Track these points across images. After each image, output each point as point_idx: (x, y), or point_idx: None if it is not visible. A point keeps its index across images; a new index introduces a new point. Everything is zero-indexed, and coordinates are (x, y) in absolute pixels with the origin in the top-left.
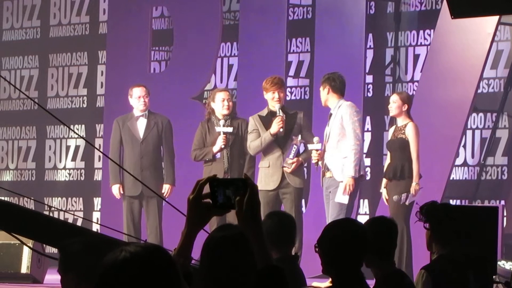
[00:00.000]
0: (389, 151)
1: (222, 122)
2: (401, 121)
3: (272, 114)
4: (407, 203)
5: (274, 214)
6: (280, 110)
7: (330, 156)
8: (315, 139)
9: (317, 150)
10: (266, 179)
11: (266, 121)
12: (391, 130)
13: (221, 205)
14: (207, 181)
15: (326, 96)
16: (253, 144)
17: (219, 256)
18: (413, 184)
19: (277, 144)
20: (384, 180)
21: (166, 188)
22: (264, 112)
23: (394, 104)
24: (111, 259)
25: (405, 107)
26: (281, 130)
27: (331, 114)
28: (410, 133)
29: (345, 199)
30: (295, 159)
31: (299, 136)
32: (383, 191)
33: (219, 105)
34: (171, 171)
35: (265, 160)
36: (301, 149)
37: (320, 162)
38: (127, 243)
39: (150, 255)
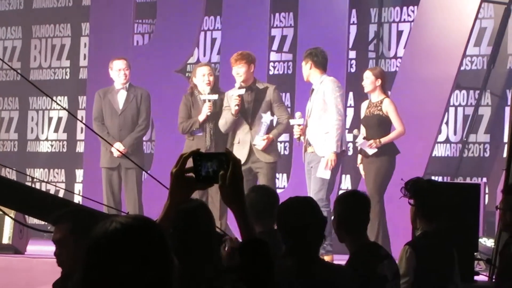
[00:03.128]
0: (365, 127)
1: (207, 90)
2: (375, 96)
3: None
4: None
5: (258, 187)
6: (242, 87)
7: (312, 131)
8: (297, 114)
9: (299, 125)
10: (236, 154)
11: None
12: (364, 105)
13: (204, 178)
14: (190, 154)
15: (309, 71)
16: (220, 122)
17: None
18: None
19: (245, 119)
20: (360, 156)
21: (118, 145)
22: (235, 88)
23: (368, 80)
24: (101, 230)
25: (379, 82)
26: (236, 108)
27: (313, 90)
28: (389, 109)
29: (327, 174)
30: (265, 136)
31: (268, 112)
32: (360, 167)
33: (200, 79)
34: (132, 137)
35: (236, 137)
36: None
37: (302, 137)
38: (114, 215)
39: (141, 226)
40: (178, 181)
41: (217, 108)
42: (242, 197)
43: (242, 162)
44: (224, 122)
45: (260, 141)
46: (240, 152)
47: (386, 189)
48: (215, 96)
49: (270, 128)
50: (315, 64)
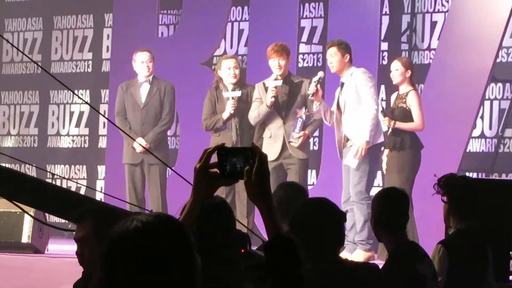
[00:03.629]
0: (390, 119)
1: (231, 86)
2: (403, 88)
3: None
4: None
5: (287, 184)
6: (278, 79)
7: (348, 125)
8: (320, 72)
9: (318, 81)
10: (267, 149)
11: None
12: (393, 97)
13: (229, 174)
14: (214, 149)
15: (344, 63)
16: (252, 114)
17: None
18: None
19: (278, 113)
20: (386, 151)
21: (140, 140)
22: (269, 79)
23: (397, 71)
24: (121, 229)
25: (408, 73)
26: (273, 99)
27: (342, 83)
28: (412, 102)
29: (354, 163)
30: (301, 133)
31: (303, 108)
32: (384, 159)
33: (226, 73)
34: (155, 132)
35: (267, 130)
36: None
37: (319, 105)
38: (136, 213)
39: (162, 224)
40: (202, 177)
41: (242, 104)
42: (269, 194)
43: (274, 157)
44: (256, 114)
45: (296, 138)
46: (272, 146)
47: (412, 185)
48: (239, 93)
49: (304, 126)
50: (350, 56)
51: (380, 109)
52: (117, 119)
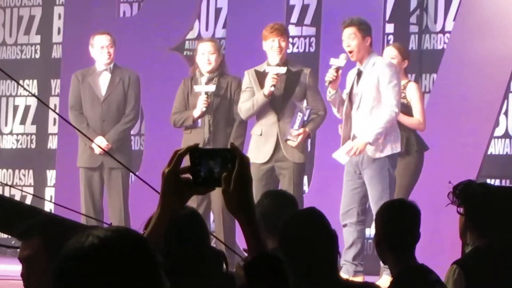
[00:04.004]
0: None
1: (204, 79)
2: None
3: None
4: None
5: (273, 193)
6: (277, 64)
7: (361, 125)
8: (342, 55)
9: (338, 68)
10: (257, 149)
11: (264, 78)
12: None
13: (203, 181)
14: (186, 151)
15: (365, 48)
16: (244, 105)
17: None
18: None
19: (272, 107)
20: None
21: (100, 140)
22: (262, 67)
23: (394, 60)
24: (75, 246)
25: (405, 64)
26: (272, 88)
27: (360, 72)
28: (414, 96)
29: (344, 159)
30: (301, 130)
31: (304, 101)
32: None
33: (201, 59)
34: (117, 130)
35: (257, 126)
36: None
37: (334, 93)
38: (93, 226)
39: (123, 240)
40: (172, 184)
41: (218, 99)
42: (251, 204)
43: (265, 159)
44: (250, 105)
45: (294, 136)
46: (262, 146)
47: (411, 192)
48: (212, 87)
49: (304, 122)
50: (371, 39)
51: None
52: (71, 115)
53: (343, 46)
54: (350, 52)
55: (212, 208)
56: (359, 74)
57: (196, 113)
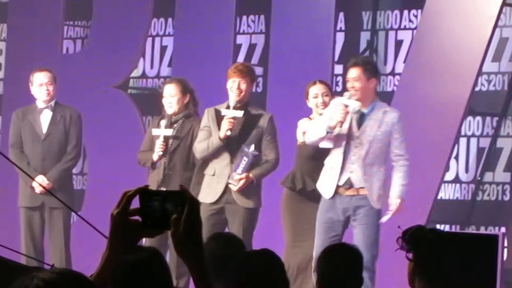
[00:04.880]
0: (297, 157)
1: (163, 122)
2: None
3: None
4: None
5: (220, 235)
6: (237, 107)
7: (363, 168)
8: (354, 103)
9: (346, 108)
10: (208, 189)
11: (223, 118)
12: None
13: (153, 223)
14: (136, 193)
15: (370, 90)
16: (199, 146)
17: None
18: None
19: (226, 149)
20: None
21: (40, 179)
22: (223, 106)
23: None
24: None
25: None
26: (228, 133)
27: (362, 114)
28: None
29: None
30: (243, 175)
31: (252, 146)
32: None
33: (164, 101)
34: (59, 169)
35: (210, 166)
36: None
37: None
38: (36, 268)
39: (68, 284)
40: (121, 225)
41: (177, 141)
42: (199, 247)
43: (215, 199)
44: (205, 146)
45: (235, 180)
46: (214, 186)
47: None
48: (169, 131)
49: (252, 166)
50: (377, 82)
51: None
52: (12, 153)
53: (347, 85)
54: (355, 93)
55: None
56: (361, 115)
57: (155, 156)
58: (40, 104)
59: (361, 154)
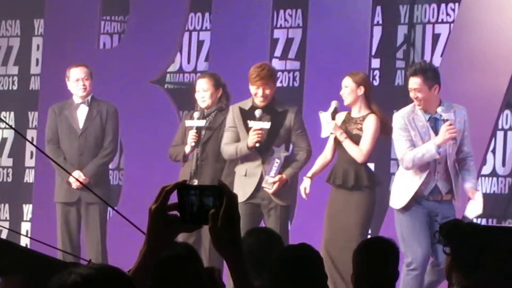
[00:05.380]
0: (338, 149)
1: (196, 115)
2: (356, 111)
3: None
4: None
5: (258, 230)
6: (263, 117)
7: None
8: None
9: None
10: (239, 189)
11: (249, 117)
12: (339, 118)
13: (191, 218)
14: (174, 188)
15: (433, 97)
16: (227, 149)
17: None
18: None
19: (257, 150)
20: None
21: (77, 174)
22: (247, 104)
23: (346, 89)
24: (57, 283)
25: (361, 91)
26: (257, 145)
27: (435, 119)
28: (367, 128)
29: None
30: (277, 178)
31: (283, 146)
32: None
33: (197, 96)
34: (95, 164)
35: (240, 166)
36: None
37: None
38: (73, 263)
39: (107, 279)
40: (159, 220)
41: (210, 132)
42: (238, 243)
43: (247, 196)
44: (233, 152)
45: (270, 184)
46: (246, 186)
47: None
48: (202, 122)
49: (284, 166)
50: (439, 86)
51: (332, 109)
52: (48, 148)
53: (410, 95)
54: (419, 102)
55: (201, 246)
56: (434, 121)
57: (187, 148)
58: (76, 99)
59: (451, 154)
